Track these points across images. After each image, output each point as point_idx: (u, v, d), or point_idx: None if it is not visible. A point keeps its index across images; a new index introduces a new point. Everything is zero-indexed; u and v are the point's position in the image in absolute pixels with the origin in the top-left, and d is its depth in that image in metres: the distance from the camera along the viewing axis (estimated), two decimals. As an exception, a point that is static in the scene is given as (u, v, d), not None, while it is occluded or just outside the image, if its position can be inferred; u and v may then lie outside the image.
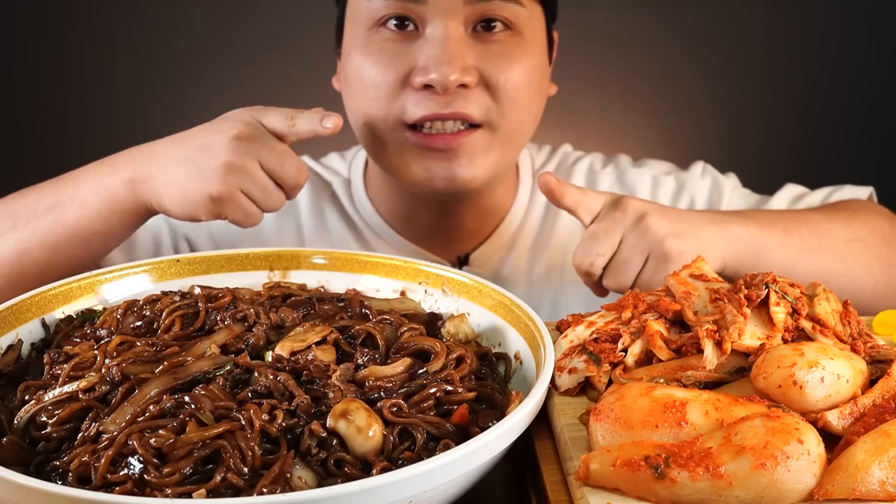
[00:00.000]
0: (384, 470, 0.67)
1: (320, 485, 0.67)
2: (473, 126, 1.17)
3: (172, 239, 1.33)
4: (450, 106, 1.14)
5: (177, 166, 1.01)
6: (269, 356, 0.81)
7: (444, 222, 1.32)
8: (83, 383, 0.75)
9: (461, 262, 1.34)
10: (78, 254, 1.07)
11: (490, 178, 1.23)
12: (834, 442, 0.69)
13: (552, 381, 0.82)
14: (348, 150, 1.47)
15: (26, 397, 0.77)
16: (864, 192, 1.33)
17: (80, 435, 0.71)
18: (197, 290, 0.95)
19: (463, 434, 0.74)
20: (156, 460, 0.66)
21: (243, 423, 0.69)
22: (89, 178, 1.07)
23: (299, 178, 1.03)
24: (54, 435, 0.72)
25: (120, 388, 0.74)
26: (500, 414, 0.76)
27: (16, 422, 0.74)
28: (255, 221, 1.03)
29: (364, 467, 0.69)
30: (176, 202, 1.02)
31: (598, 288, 1.07)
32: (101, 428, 0.70)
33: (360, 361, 0.81)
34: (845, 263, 1.14)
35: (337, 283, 1.03)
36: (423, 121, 1.15)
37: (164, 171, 1.02)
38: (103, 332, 0.87)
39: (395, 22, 1.16)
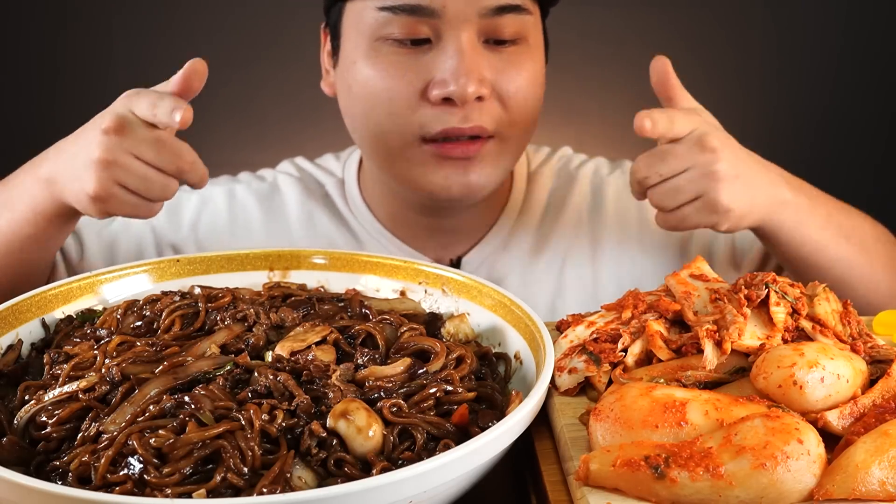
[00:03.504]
0: (384, 470, 0.67)
1: (320, 485, 0.67)
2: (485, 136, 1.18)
3: (157, 247, 1.32)
4: (468, 120, 1.14)
5: (68, 165, 0.99)
6: (269, 356, 0.81)
7: (439, 225, 1.32)
8: (83, 383, 0.75)
9: (453, 265, 1.32)
10: (19, 258, 1.07)
11: (499, 183, 1.24)
12: (834, 442, 0.69)
13: (552, 381, 0.82)
14: (343, 150, 1.46)
15: (26, 397, 0.77)
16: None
17: (80, 435, 0.71)
18: (197, 290, 0.95)
19: (463, 434, 0.74)
20: (156, 460, 0.66)
21: (243, 423, 0.69)
22: (19, 179, 1.06)
23: (180, 164, 0.98)
24: (54, 435, 0.72)
25: (120, 388, 0.74)
26: (500, 414, 0.76)
27: (16, 422, 0.74)
28: (148, 213, 1.00)
29: (364, 467, 0.69)
30: (76, 203, 1.00)
31: (641, 196, 1.09)
32: (101, 428, 0.70)
33: (360, 361, 0.81)
34: (869, 257, 1.17)
35: (337, 283, 1.03)
36: (443, 135, 1.15)
37: (62, 171, 1.00)
38: (103, 332, 0.87)
39: (405, 33, 1.14)
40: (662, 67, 1.11)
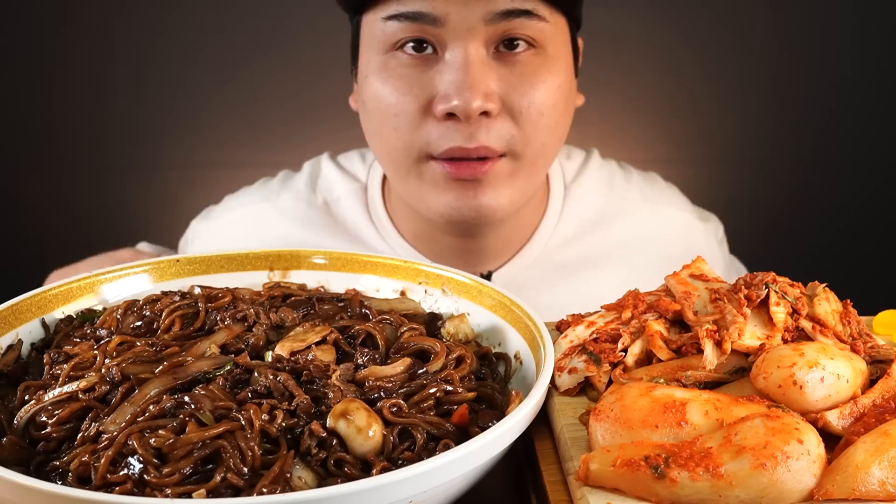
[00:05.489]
0: (384, 470, 0.67)
1: (320, 485, 0.67)
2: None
3: None
4: (473, 139, 1.08)
5: None
6: (269, 356, 0.81)
7: (468, 245, 1.26)
8: (83, 383, 0.75)
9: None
10: None
11: (517, 205, 1.18)
12: (834, 442, 0.69)
13: (552, 381, 0.82)
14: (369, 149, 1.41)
15: (26, 397, 0.77)
16: None
17: (80, 435, 0.71)
18: (197, 290, 0.95)
19: (463, 434, 0.74)
20: (156, 460, 0.66)
21: (243, 423, 0.69)
22: None
23: None
24: (54, 435, 0.72)
25: (120, 388, 0.74)
26: (500, 414, 0.76)
27: (16, 422, 0.74)
28: None
29: (364, 467, 0.69)
30: None
31: None
32: (101, 428, 0.70)
33: (360, 361, 0.81)
34: None
35: (337, 283, 1.03)
36: (448, 155, 1.10)
37: None
38: (103, 332, 0.87)
39: (412, 45, 1.11)
40: None
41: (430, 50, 1.11)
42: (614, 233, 1.34)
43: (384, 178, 1.35)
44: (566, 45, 1.17)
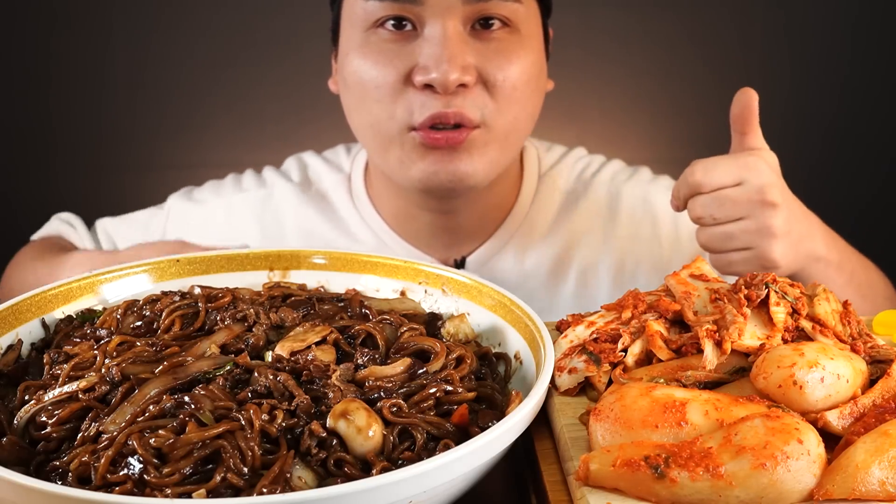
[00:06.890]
0: (384, 470, 0.67)
1: (320, 485, 0.67)
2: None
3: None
4: (451, 105, 1.14)
5: None
6: (269, 356, 0.81)
7: (445, 223, 1.32)
8: (83, 383, 0.75)
9: (458, 265, 1.33)
10: None
11: (491, 175, 1.23)
12: (834, 442, 0.69)
13: (552, 381, 0.82)
14: (356, 143, 1.47)
15: (26, 397, 0.77)
16: None
17: (79, 435, 0.71)
18: (197, 290, 0.95)
19: (463, 434, 0.74)
20: (156, 460, 0.66)
21: (243, 423, 0.69)
22: None
23: None
24: (54, 435, 0.72)
25: (120, 388, 0.74)
26: (500, 414, 0.76)
27: (16, 422, 0.74)
28: None
29: (364, 467, 0.69)
30: None
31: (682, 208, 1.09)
32: (101, 428, 0.70)
33: (360, 361, 0.81)
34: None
35: (337, 283, 1.03)
36: (429, 123, 1.15)
37: None
38: (103, 332, 0.87)
39: (392, 22, 1.17)
40: (748, 101, 1.07)
41: (409, 27, 1.17)
42: (581, 214, 1.39)
43: (366, 166, 1.41)
44: (538, 27, 1.24)
